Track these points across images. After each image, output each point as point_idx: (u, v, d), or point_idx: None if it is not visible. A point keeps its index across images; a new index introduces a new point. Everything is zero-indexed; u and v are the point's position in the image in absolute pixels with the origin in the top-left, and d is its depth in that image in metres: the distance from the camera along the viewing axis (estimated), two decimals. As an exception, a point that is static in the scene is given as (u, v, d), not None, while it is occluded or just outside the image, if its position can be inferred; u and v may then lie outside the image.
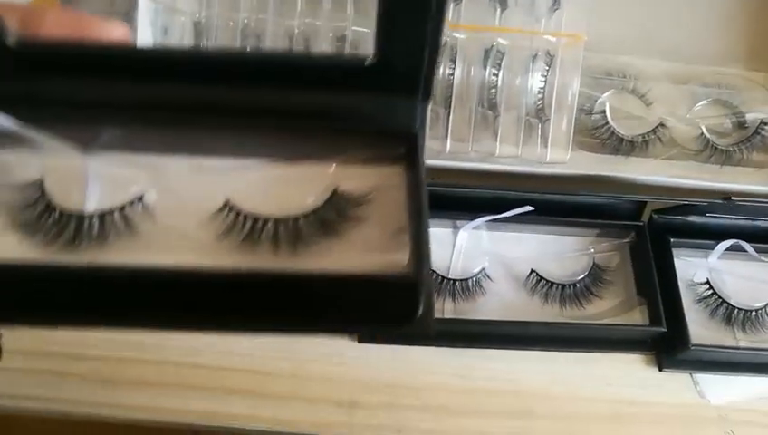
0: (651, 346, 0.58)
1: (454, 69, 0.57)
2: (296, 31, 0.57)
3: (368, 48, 0.59)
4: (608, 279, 0.60)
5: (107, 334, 0.53)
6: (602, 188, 0.59)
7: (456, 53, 0.57)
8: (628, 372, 0.57)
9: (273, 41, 0.57)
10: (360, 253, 0.31)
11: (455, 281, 0.57)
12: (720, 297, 0.58)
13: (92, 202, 0.31)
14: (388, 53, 0.30)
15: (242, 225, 0.31)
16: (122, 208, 0.30)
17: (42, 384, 0.51)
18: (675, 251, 0.59)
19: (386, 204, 0.32)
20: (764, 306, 0.59)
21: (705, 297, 0.59)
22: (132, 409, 0.51)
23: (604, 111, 0.62)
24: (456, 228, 0.60)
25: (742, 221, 0.61)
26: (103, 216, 0.30)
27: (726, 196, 0.56)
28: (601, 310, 0.59)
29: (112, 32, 0.32)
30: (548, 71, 0.58)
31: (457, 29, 0.57)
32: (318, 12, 0.57)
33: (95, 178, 0.32)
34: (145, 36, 0.55)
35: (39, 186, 0.31)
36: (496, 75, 0.58)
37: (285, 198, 0.32)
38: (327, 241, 0.31)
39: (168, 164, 0.32)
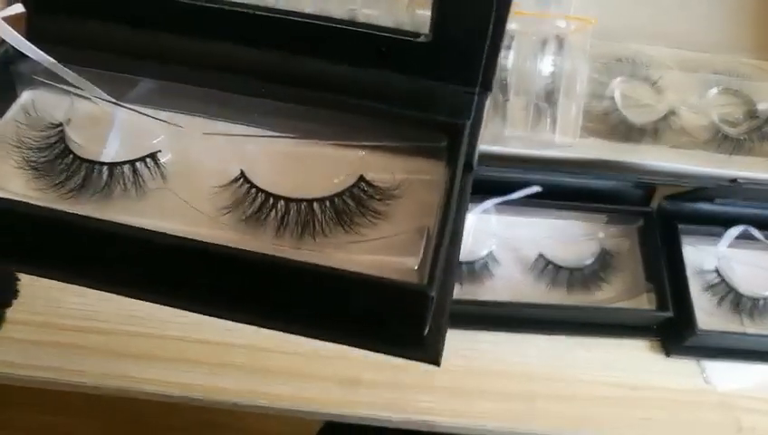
0: (658, 332, 0.58)
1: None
2: (306, 11, 0.57)
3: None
4: (616, 265, 0.60)
5: (116, 308, 0.53)
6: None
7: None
8: (635, 358, 0.57)
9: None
10: (370, 252, 0.28)
11: (462, 263, 0.57)
12: (728, 285, 0.58)
13: (109, 153, 0.30)
14: (445, 33, 0.27)
15: (252, 199, 0.29)
16: (133, 163, 0.30)
17: (52, 356, 0.51)
18: (684, 238, 0.59)
19: (413, 202, 0.29)
20: (773, 294, 0.58)
21: (714, 285, 0.59)
22: (139, 381, 0.51)
23: (614, 98, 0.62)
24: (464, 211, 0.60)
25: (751, 209, 0.60)
26: (113, 167, 0.30)
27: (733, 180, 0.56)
28: (609, 295, 0.59)
29: None
30: (558, 55, 0.58)
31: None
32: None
33: (117, 129, 0.31)
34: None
35: (60, 129, 0.31)
36: (506, 58, 0.58)
37: (304, 178, 0.30)
38: (338, 232, 0.29)
39: (192, 123, 0.31)
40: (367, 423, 0.53)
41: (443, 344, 0.26)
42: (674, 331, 0.57)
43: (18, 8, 0.31)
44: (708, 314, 0.57)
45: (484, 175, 0.57)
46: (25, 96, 0.32)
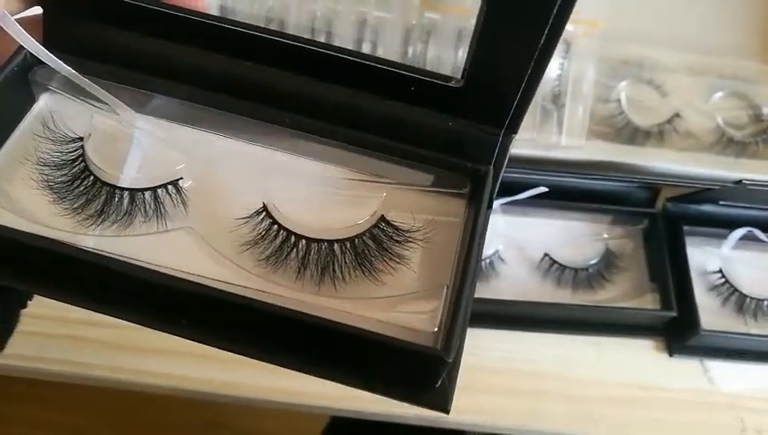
0: (662, 332, 0.58)
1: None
2: (318, 14, 0.58)
3: (387, 33, 0.60)
4: (620, 265, 0.60)
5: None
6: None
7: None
8: (639, 358, 0.58)
9: (296, 24, 0.59)
10: (389, 302, 0.28)
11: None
12: (732, 286, 0.59)
13: (129, 174, 0.30)
14: (478, 79, 0.27)
15: (273, 236, 0.29)
16: (155, 190, 0.29)
17: (62, 348, 0.52)
18: (688, 239, 0.60)
19: (433, 248, 0.29)
20: (776, 296, 0.59)
21: (718, 286, 0.59)
22: (147, 374, 0.52)
23: (620, 100, 0.63)
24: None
25: (755, 211, 0.61)
26: (134, 193, 0.29)
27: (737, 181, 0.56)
28: (613, 295, 0.59)
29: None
30: (565, 58, 0.59)
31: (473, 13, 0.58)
32: (340, -5, 0.58)
33: (137, 147, 0.30)
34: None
35: (80, 144, 0.30)
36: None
37: (325, 215, 0.29)
38: (357, 278, 0.28)
39: (214, 147, 0.31)
40: (376, 419, 0.54)
41: (453, 393, 0.26)
42: (677, 331, 0.57)
43: (36, 10, 0.30)
44: (712, 315, 0.58)
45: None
46: (42, 105, 0.31)
